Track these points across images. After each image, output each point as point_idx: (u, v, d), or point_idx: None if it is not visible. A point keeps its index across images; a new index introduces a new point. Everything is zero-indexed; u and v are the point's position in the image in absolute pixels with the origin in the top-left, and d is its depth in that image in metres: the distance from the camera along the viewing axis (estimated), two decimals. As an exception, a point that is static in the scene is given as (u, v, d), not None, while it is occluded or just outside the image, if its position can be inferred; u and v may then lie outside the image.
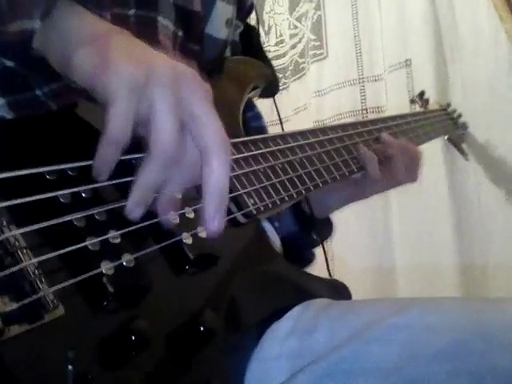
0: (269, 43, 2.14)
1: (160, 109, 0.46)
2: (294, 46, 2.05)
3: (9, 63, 0.53)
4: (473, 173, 1.55)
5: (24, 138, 0.52)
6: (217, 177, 0.48)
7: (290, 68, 2.05)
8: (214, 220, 0.49)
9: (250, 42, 0.95)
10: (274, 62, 2.10)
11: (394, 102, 1.71)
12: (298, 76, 2.03)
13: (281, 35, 2.11)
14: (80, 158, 0.51)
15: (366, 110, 1.80)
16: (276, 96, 2.10)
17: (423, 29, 1.65)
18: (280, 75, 2.08)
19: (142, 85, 0.46)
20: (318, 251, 0.96)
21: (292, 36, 2.06)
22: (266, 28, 2.15)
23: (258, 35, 1.00)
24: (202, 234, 0.58)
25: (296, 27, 2.04)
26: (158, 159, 0.47)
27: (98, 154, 0.47)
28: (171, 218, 0.56)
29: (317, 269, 0.91)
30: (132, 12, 0.66)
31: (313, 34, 1.95)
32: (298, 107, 2.01)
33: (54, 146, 0.53)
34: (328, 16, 1.91)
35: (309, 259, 0.95)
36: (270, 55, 2.10)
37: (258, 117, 0.93)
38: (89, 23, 0.50)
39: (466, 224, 1.56)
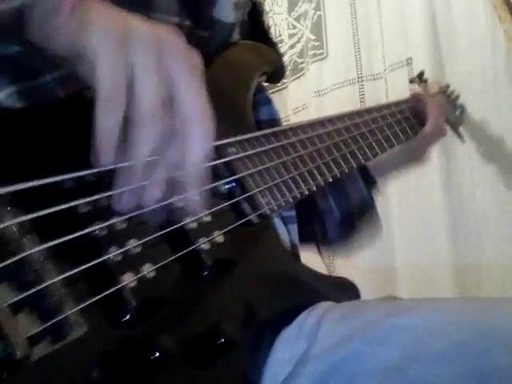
0: (268, 43, 2.13)
1: (141, 73, 0.45)
2: (292, 46, 2.04)
3: (16, 48, 0.51)
4: (469, 173, 1.56)
5: (34, 129, 0.50)
6: (196, 150, 0.47)
7: (289, 68, 2.04)
8: (193, 189, 0.49)
9: (258, 23, 0.92)
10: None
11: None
12: (297, 76, 2.02)
13: (280, 35, 2.10)
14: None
15: (366, 109, 1.81)
16: (275, 95, 2.09)
17: (423, 28, 1.65)
18: (279, 75, 2.08)
19: (121, 42, 0.44)
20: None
21: (291, 36, 2.05)
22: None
23: (262, 15, 0.96)
24: (219, 239, 0.57)
25: (295, 27, 2.03)
26: (141, 126, 0.45)
27: (96, 126, 0.44)
28: (189, 223, 0.54)
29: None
30: None
31: (313, 33, 1.95)
32: (296, 107, 2.00)
33: (64, 140, 0.52)
34: (328, 16, 1.90)
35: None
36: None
37: (266, 101, 0.90)
38: None
39: (461, 224, 1.56)
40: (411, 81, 1.45)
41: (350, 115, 0.90)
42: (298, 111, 1.98)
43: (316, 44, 1.93)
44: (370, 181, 1.03)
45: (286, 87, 2.06)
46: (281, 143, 0.72)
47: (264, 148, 0.69)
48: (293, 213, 0.87)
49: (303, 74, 1.99)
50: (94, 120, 0.43)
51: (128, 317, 0.46)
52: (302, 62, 2.00)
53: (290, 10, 2.04)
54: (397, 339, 0.55)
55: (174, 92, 0.46)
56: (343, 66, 1.85)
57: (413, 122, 1.08)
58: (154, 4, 0.67)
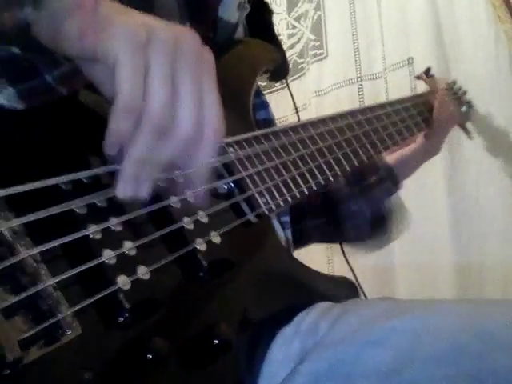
0: (267, 43, 2.12)
1: (154, 77, 0.44)
2: (292, 46, 2.04)
3: (15, 50, 0.51)
4: (472, 172, 1.55)
5: (37, 130, 0.51)
6: (208, 153, 0.48)
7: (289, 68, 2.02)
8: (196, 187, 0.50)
9: (260, 20, 0.92)
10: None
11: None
12: (297, 76, 2.01)
13: (279, 35, 2.08)
14: (94, 155, 0.50)
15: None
16: (274, 95, 2.08)
17: (424, 27, 1.64)
18: (279, 75, 2.08)
19: (143, 45, 0.44)
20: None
21: (290, 36, 2.05)
22: None
23: (271, 13, 0.96)
24: (216, 239, 0.57)
25: (294, 27, 2.03)
26: (147, 128, 0.45)
27: (109, 126, 0.44)
28: (185, 223, 0.55)
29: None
30: None
31: (313, 34, 1.94)
32: (296, 107, 1.98)
33: (66, 139, 0.52)
34: (328, 16, 1.90)
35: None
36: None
37: (264, 106, 0.91)
38: None
39: (464, 223, 1.56)
40: (418, 77, 1.44)
41: (353, 113, 0.90)
42: (298, 111, 1.97)
43: (316, 44, 1.93)
44: (396, 184, 1.10)
45: (286, 87, 2.05)
46: (280, 142, 0.72)
47: (263, 148, 0.69)
48: (287, 218, 0.87)
49: (303, 73, 1.99)
50: (108, 121, 0.44)
51: (122, 319, 0.46)
52: (302, 62, 2.00)
53: (290, 10, 2.04)
54: (393, 341, 0.55)
55: (185, 95, 0.46)
56: (343, 65, 1.85)
57: (419, 120, 1.08)
58: (157, 5, 0.67)
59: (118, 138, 0.45)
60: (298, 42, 2.02)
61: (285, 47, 2.05)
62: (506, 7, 1.46)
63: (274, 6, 2.09)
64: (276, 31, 2.03)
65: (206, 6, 0.72)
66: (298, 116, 1.05)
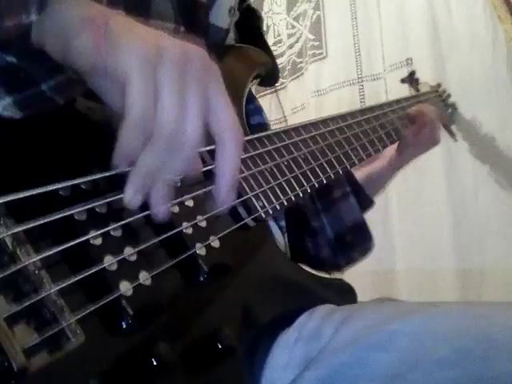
0: (267, 43, 2.13)
1: (167, 91, 0.45)
2: (291, 46, 2.04)
3: (11, 59, 0.51)
4: (471, 174, 1.56)
5: (34, 139, 0.50)
6: (231, 162, 0.48)
7: (288, 68, 2.05)
8: (225, 202, 0.50)
9: (250, 26, 0.92)
10: (272, 62, 2.10)
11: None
12: (295, 76, 2.02)
13: (278, 35, 2.11)
14: (93, 162, 0.49)
15: (366, 109, 1.81)
16: (274, 96, 2.09)
17: (424, 28, 1.65)
18: (278, 75, 2.08)
19: (153, 63, 0.44)
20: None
21: (289, 36, 2.05)
22: (265, 28, 2.13)
23: (260, 20, 0.97)
24: (215, 244, 0.57)
25: (294, 27, 2.04)
26: (159, 143, 0.45)
27: (119, 141, 0.44)
28: (185, 228, 0.54)
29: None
30: None
31: (312, 33, 1.95)
32: (295, 107, 2.00)
33: (64, 146, 0.51)
34: (327, 16, 1.90)
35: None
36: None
37: (259, 110, 0.91)
38: (84, 8, 0.48)
39: (463, 225, 1.56)
40: (402, 81, 1.46)
41: (343, 117, 0.90)
42: (297, 111, 1.98)
43: (315, 44, 1.93)
44: (364, 200, 1.06)
45: (285, 87, 2.06)
46: (274, 146, 0.72)
47: (257, 151, 0.69)
48: (283, 223, 0.87)
49: (302, 73, 1.99)
50: (117, 136, 0.44)
51: (126, 325, 0.45)
52: (300, 62, 2.00)
53: (289, 9, 2.04)
54: (397, 344, 0.54)
55: (205, 109, 0.47)
56: (342, 66, 1.85)
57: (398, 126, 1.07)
58: (152, 10, 0.67)
59: (127, 153, 0.45)
60: (297, 41, 2.02)
61: (284, 47, 2.06)
62: (507, 7, 1.47)
63: (273, 6, 2.11)
64: (276, 31, 2.06)
65: (196, 11, 0.72)
66: (287, 123, 1.04)
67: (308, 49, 1.95)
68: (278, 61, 2.07)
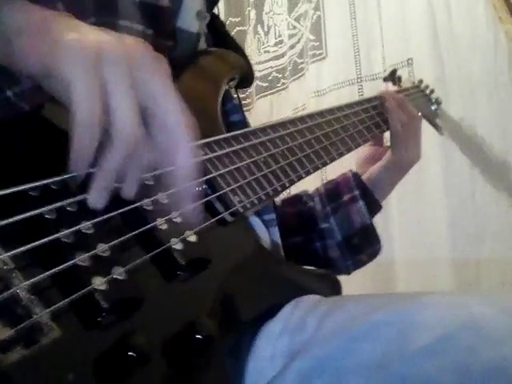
0: (268, 44, 2.13)
1: (115, 91, 0.45)
2: (292, 47, 2.04)
3: None
4: (468, 169, 1.55)
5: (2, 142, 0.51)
6: (184, 159, 0.48)
7: (289, 68, 2.04)
8: (187, 201, 0.50)
9: (216, 31, 0.93)
10: (273, 63, 2.10)
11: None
12: (296, 76, 2.02)
13: (280, 35, 2.10)
14: (60, 164, 0.50)
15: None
16: (275, 96, 2.09)
17: (424, 28, 1.64)
18: (279, 75, 2.08)
19: (93, 61, 0.44)
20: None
21: (291, 36, 2.05)
22: (266, 28, 2.14)
23: (223, 25, 0.98)
24: (191, 238, 0.57)
25: (295, 27, 2.03)
26: (119, 145, 0.45)
27: (72, 144, 0.44)
28: (159, 224, 0.55)
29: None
30: (92, 20, 0.63)
31: (312, 34, 1.94)
32: (296, 107, 2.00)
33: (30, 152, 0.52)
34: (327, 16, 1.90)
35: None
36: (269, 56, 2.12)
37: (237, 109, 0.92)
38: (25, 11, 0.48)
39: (460, 220, 1.56)
40: (385, 79, 1.47)
41: (320, 113, 0.91)
42: (298, 111, 1.97)
43: (315, 44, 1.92)
44: (373, 204, 1.07)
45: (287, 87, 2.06)
46: (250, 143, 0.73)
47: (233, 148, 0.70)
48: (273, 216, 0.87)
49: (303, 74, 1.99)
50: (70, 138, 0.44)
51: (101, 319, 0.46)
52: (301, 63, 1.99)
53: (290, 10, 2.04)
54: (381, 335, 0.55)
55: (152, 105, 0.47)
56: (342, 66, 1.85)
57: (378, 121, 1.08)
58: (119, 11, 0.68)
59: (81, 156, 0.45)
60: (298, 42, 2.01)
61: (285, 47, 2.06)
62: (507, 8, 1.45)
63: (274, 7, 2.10)
64: (277, 32, 2.06)
65: (161, 15, 0.73)
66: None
67: (308, 49, 1.95)
68: (279, 61, 2.09)
